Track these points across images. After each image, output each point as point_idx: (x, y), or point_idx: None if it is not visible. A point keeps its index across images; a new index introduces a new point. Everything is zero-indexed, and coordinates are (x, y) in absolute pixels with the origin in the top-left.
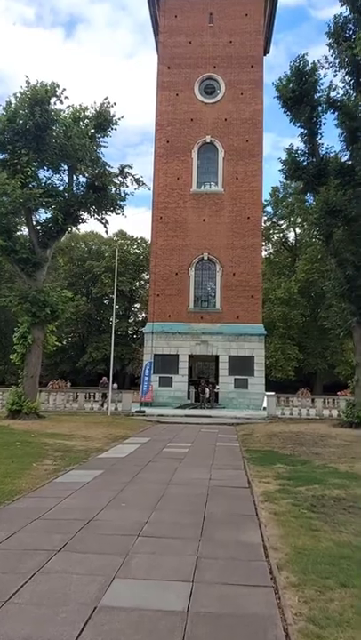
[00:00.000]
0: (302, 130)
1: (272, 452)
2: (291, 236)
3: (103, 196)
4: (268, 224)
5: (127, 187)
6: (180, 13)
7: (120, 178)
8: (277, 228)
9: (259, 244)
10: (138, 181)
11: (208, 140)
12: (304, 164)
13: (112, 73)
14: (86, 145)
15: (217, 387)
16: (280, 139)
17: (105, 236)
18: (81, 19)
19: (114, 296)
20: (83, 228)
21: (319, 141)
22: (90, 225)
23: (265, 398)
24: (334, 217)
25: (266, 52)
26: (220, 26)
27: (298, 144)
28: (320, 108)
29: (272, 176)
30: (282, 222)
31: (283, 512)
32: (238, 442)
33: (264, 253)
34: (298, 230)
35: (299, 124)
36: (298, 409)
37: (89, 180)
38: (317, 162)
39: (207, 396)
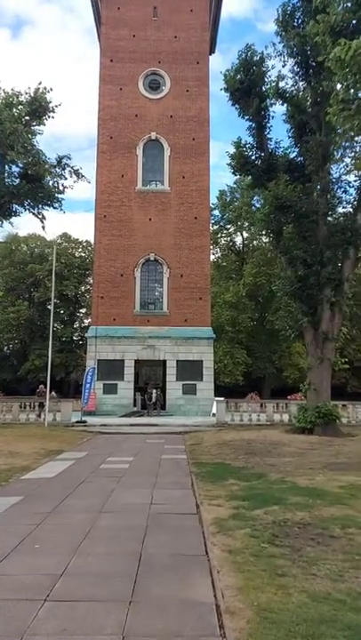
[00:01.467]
0: (250, 123)
1: (223, 465)
2: (238, 240)
3: (38, 187)
4: (215, 227)
5: (65, 179)
6: (123, 5)
7: (57, 169)
8: (225, 231)
9: (207, 244)
10: (77, 173)
11: (153, 137)
12: (253, 158)
13: (61, 76)
14: (18, 130)
15: (157, 391)
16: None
17: (43, 232)
18: (28, 20)
19: (52, 296)
20: (25, 230)
21: (268, 135)
22: (32, 227)
23: (214, 404)
24: (284, 213)
25: (212, 51)
26: (164, 20)
27: (246, 138)
28: (268, 101)
29: (220, 179)
30: (229, 226)
31: (239, 549)
32: (186, 453)
33: (212, 257)
34: (245, 234)
35: (247, 118)
36: (248, 414)
37: (22, 169)
38: (266, 156)
39: (153, 400)
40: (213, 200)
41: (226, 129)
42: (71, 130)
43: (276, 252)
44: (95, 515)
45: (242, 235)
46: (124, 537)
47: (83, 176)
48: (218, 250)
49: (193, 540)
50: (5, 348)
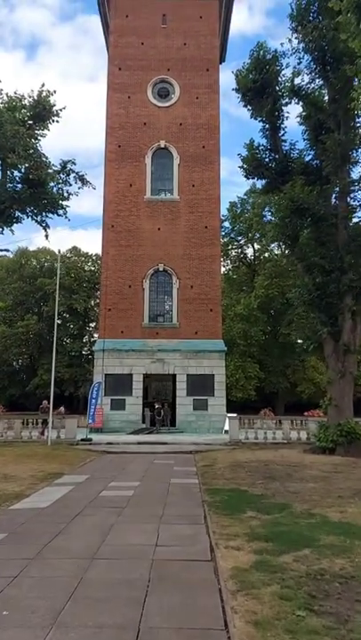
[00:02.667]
0: (264, 124)
1: (239, 492)
2: (249, 251)
3: (41, 193)
4: (225, 239)
5: (70, 185)
6: (132, 13)
7: (62, 175)
8: (235, 243)
9: (217, 254)
10: (82, 179)
11: (162, 146)
12: (266, 160)
13: (74, 94)
14: (20, 133)
15: (164, 407)
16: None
17: (48, 243)
18: (43, 41)
19: (55, 307)
20: (35, 244)
21: (282, 137)
22: (42, 241)
23: (227, 420)
24: (301, 216)
25: (222, 59)
26: (173, 27)
27: (259, 140)
28: (283, 101)
29: (229, 192)
30: (240, 238)
31: (269, 619)
32: (197, 477)
33: (222, 270)
34: (256, 246)
35: (260, 119)
36: (263, 432)
37: (24, 174)
38: (281, 158)
39: (161, 417)
40: (224, 212)
41: (234, 143)
42: (85, 145)
43: (291, 258)
44: (87, 562)
45: (253, 246)
46: (118, 598)
47: (88, 182)
48: (228, 262)
49: (207, 604)
50: (15, 362)
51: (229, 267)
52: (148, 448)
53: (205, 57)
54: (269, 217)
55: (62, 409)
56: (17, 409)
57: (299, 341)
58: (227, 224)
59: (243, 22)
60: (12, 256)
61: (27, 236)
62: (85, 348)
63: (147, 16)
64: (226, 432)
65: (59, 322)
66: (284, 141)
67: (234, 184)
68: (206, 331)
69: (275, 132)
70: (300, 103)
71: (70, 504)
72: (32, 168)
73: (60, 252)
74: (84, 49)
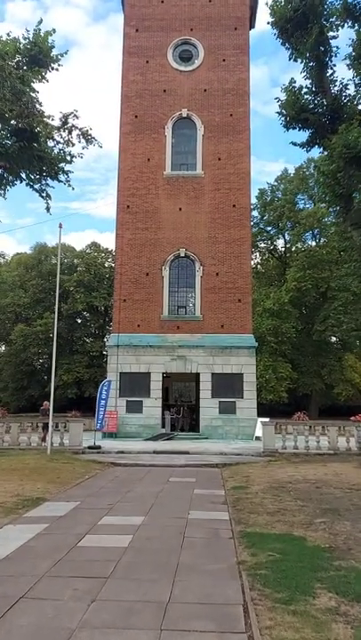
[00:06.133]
0: (307, 63)
1: (294, 542)
2: (280, 243)
3: (33, 149)
4: (254, 230)
5: (72, 145)
6: None
7: (63, 133)
8: (265, 234)
9: (247, 237)
10: (85, 136)
11: (184, 115)
12: (311, 106)
13: (107, 94)
14: (5, 71)
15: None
16: (264, 163)
17: (65, 237)
18: (75, 42)
19: (56, 294)
20: (53, 241)
21: (331, 77)
22: (62, 238)
23: (258, 426)
24: (358, 167)
25: (252, 24)
26: None
27: (301, 81)
28: (330, 33)
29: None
30: (270, 228)
31: None
32: (227, 508)
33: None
34: (288, 236)
35: (301, 60)
36: (304, 439)
37: (11, 125)
38: (330, 101)
39: (181, 416)
40: (252, 199)
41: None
42: (114, 148)
43: (344, 225)
44: None
45: (284, 237)
46: None
47: (93, 138)
48: (257, 254)
49: None
50: (35, 362)
51: (258, 260)
52: (165, 459)
53: (233, 15)
54: (302, 203)
55: (75, 412)
56: (36, 410)
57: (333, 339)
58: (255, 213)
59: None
60: (30, 252)
61: (45, 231)
62: (106, 348)
63: None
64: (257, 439)
65: (78, 320)
66: (333, 82)
67: (263, 173)
68: (234, 324)
69: (321, 70)
70: (356, 26)
71: (23, 567)
72: (22, 115)
73: (60, 226)
74: (117, 47)
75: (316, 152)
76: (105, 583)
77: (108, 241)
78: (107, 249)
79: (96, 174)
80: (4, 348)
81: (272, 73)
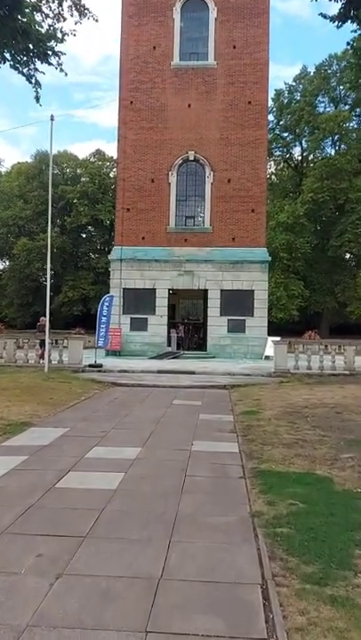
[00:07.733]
0: None
1: (319, 484)
2: (296, 151)
3: (15, 20)
4: (269, 135)
5: (64, 20)
6: None
7: (52, 4)
8: (281, 141)
9: (263, 138)
10: (79, 8)
11: None
12: None
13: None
14: None
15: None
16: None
17: (67, 145)
18: None
19: (49, 196)
20: (55, 148)
21: None
22: (64, 143)
23: (268, 344)
24: None
25: None
26: None
27: None
28: None
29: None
30: (286, 134)
31: None
32: (237, 437)
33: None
34: (305, 144)
35: None
36: (318, 359)
37: None
38: None
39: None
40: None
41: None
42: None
43: None
44: None
45: (301, 144)
46: None
47: (87, 10)
48: (272, 163)
49: None
50: (40, 278)
51: (272, 169)
52: (170, 379)
53: None
54: (322, 106)
55: (79, 329)
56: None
57: (348, 255)
58: (271, 117)
59: None
60: (30, 161)
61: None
62: (110, 262)
63: None
64: (267, 358)
65: (83, 235)
66: None
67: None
68: (246, 237)
69: None
70: None
71: None
72: None
73: (52, 118)
74: None
75: (347, 31)
76: (80, 546)
77: (115, 150)
78: (112, 157)
79: (102, 78)
80: (7, 262)
81: None
